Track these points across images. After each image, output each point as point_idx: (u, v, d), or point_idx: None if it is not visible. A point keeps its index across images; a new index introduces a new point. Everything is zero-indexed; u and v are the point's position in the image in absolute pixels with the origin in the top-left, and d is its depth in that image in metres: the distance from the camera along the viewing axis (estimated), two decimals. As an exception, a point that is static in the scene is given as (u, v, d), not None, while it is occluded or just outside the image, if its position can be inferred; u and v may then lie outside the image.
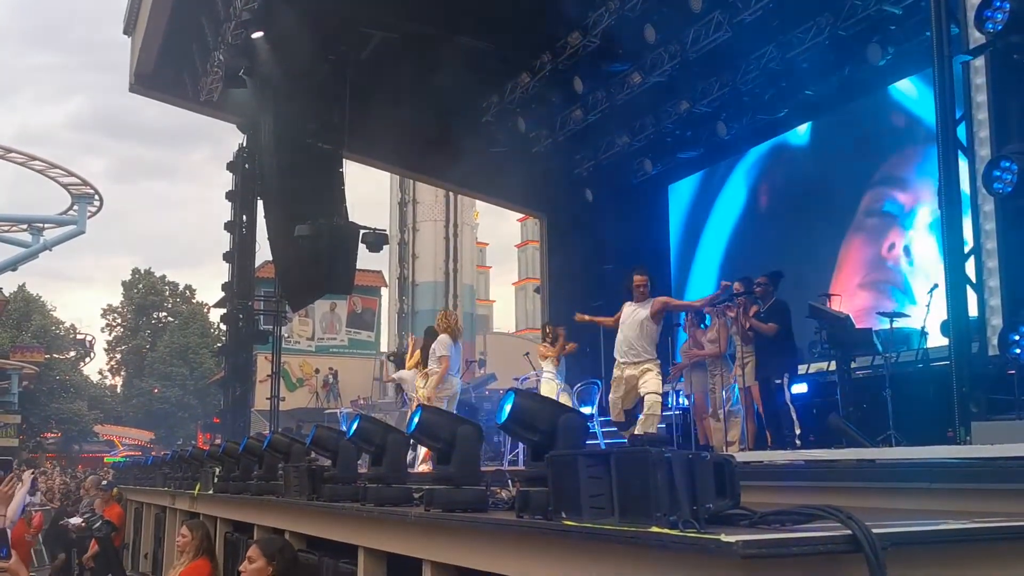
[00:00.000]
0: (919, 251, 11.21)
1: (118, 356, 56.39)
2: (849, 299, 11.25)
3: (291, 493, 4.94)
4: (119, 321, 56.31)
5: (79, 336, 54.09)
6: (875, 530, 2.00)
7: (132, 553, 11.65)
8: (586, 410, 11.56)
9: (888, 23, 11.06)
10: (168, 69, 16.55)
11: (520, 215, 45.22)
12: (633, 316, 8.81)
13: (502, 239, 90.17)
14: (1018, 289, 5.15)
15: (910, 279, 11.35)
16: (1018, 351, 4.78)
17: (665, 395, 12.28)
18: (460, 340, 11.06)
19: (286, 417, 24.09)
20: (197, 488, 7.47)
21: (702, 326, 10.48)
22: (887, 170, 12.01)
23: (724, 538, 1.87)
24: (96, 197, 46.55)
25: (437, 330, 10.71)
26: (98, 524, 9.56)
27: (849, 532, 2.00)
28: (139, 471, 13.53)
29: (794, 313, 9.30)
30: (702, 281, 15.08)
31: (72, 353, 52.94)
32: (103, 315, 56.56)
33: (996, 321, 5.16)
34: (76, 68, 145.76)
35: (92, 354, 54.14)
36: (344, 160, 15.29)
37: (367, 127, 15.28)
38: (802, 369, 9.69)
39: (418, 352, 11.76)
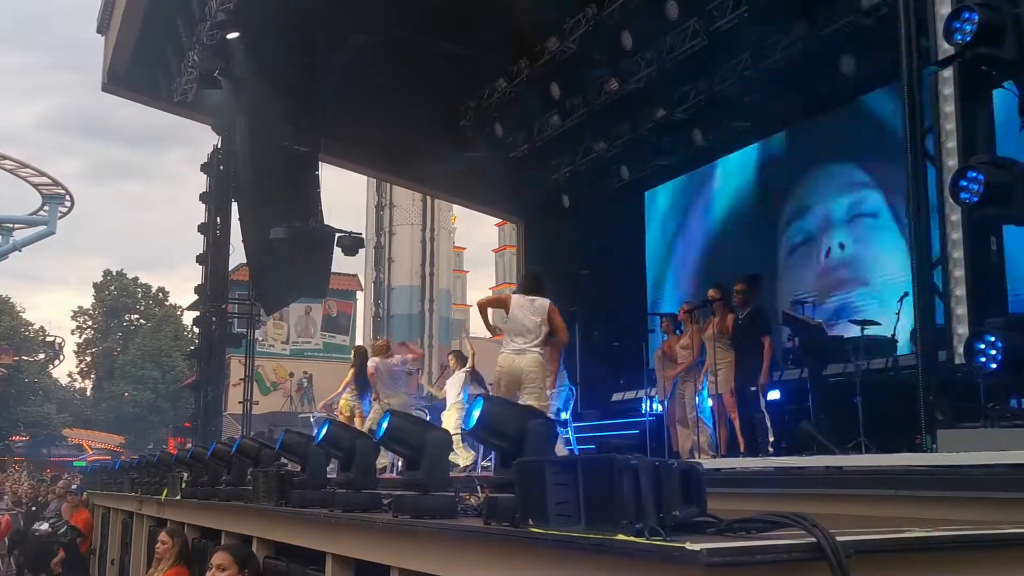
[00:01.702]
0: (890, 259, 11.32)
1: (88, 359, 55.76)
2: (822, 306, 11.35)
3: (259, 499, 4.91)
4: (90, 323, 55.71)
5: (48, 338, 53.44)
6: (839, 537, 2.01)
7: (99, 560, 11.50)
8: (561, 415, 11.56)
9: (861, 34, 11.17)
10: (142, 69, 16.40)
11: (497, 220, 45.20)
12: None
13: (479, 244, 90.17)
14: (984, 298, 5.21)
15: (881, 287, 11.45)
16: (983, 360, 4.83)
17: (639, 401, 12.35)
18: (389, 356, 11.78)
19: (259, 421, 23.95)
20: (164, 493, 7.40)
21: (677, 332, 10.51)
22: (860, 178, 12.12)
23: (689, 546, 1.88)
24: (67, 198, 46.14)
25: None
26: (63, 530, 9.45)
27: (813, 540, 2.01)
28: (106, 476, 13.37)
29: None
30: (678, 287, 15.15)
31: (41, 355, 52.29)
32: (73, 317, 55.99)
33: (962, 330, 5.22)
34: (49, 68, 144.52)
35: (62, 356, 53.54)
36: (320, 163, 15.24)
37: (344, 130, 15.24)
38: (775, 376, 9.74)
39: (351, 372, 12.00)
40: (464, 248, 57.96)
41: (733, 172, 14.40)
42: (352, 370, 12.16)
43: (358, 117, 15.30)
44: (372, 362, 11.59)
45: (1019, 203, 4.99)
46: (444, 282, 44.42)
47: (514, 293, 8.55)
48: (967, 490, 3.99)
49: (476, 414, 2.90)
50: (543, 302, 8.07)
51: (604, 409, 14.20)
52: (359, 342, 40.24)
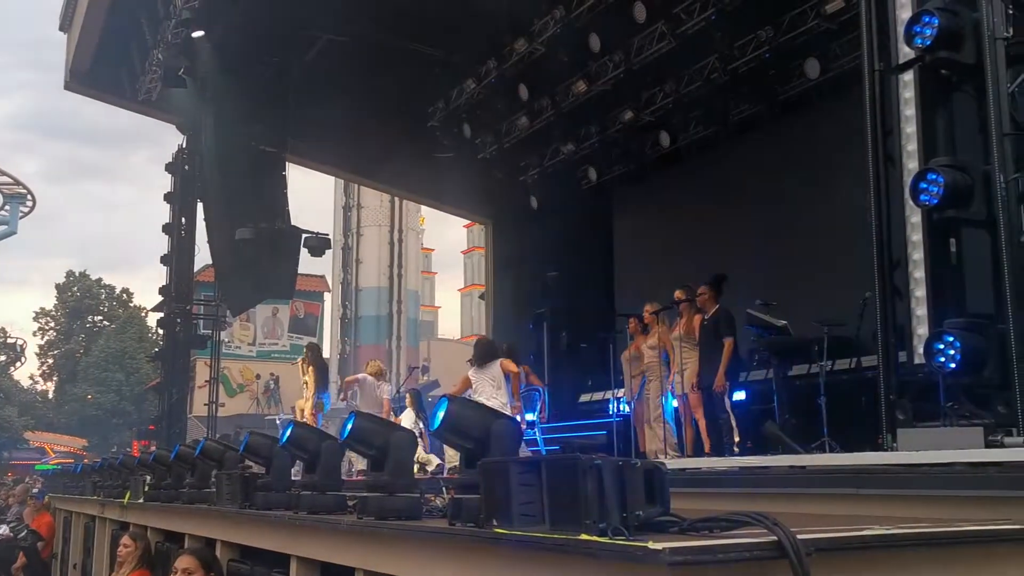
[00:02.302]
0: (854, 261, 11.44)
1: (50, 361, 54.87)
2: (787, 307, 11.43)
3: (223, 501, 4.86)
4: (52, 325, 54.82)
5: (9, 340, 52.52)
6: (800, 536, 2.03)
7: (61, 564, 11.33)
8: (529, 416, 11.60)
9: (825, 38, 11.31)
10: (105, 67, 16.19)
11: (466, 221, 45.18)
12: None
13: (448, 245, 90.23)
14: (943, 299, 5.29)
15: (847, 287, 11.57)
16: (943, 360, 4.90)
17: (606, 402, 12.41)
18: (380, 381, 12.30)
19: (225, 423, 23.71)
20: (127, 497, 7.31)
21: (644, 333, 10.55)
22: (825, 180, 12.23)
23: (651, 545, 1.89)
24: (29, 197, 45.47)
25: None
26: (24, 534, 9.30)
27: (775, 538, 2.03)
28: (68, 479, 13.19)
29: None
30: (645, 288, 15.19)
31: (2, 357, 51.41)
32: (35, 318, 55.02)
33: (922, 331, 5.29)
34: (10, 66, 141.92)
35: (23, 358, 52.64)
36: (287, 163, 15.13)
37: (311, 130, 15.16)
38: (741, 376, 9.81)
39: (312, 370, 12.28)
40: (433, 249, 58.00)
41: (700, 174, 14.49)
42: (312, 368, 12.19)
43: (326, 117, 15.22)
44: (361, 376, 12.07)
45: (978, 205, 5.08)
46: (412, 283, 44.29)
47: (470, 368, 9.88)
48: (927, 488, 4.05)
49: (441, 415, 2.89)
50: (495, 367, 9.62)
51: (572, 410, 14.24)
52: (325, 343, 40.09)
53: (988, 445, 4.59)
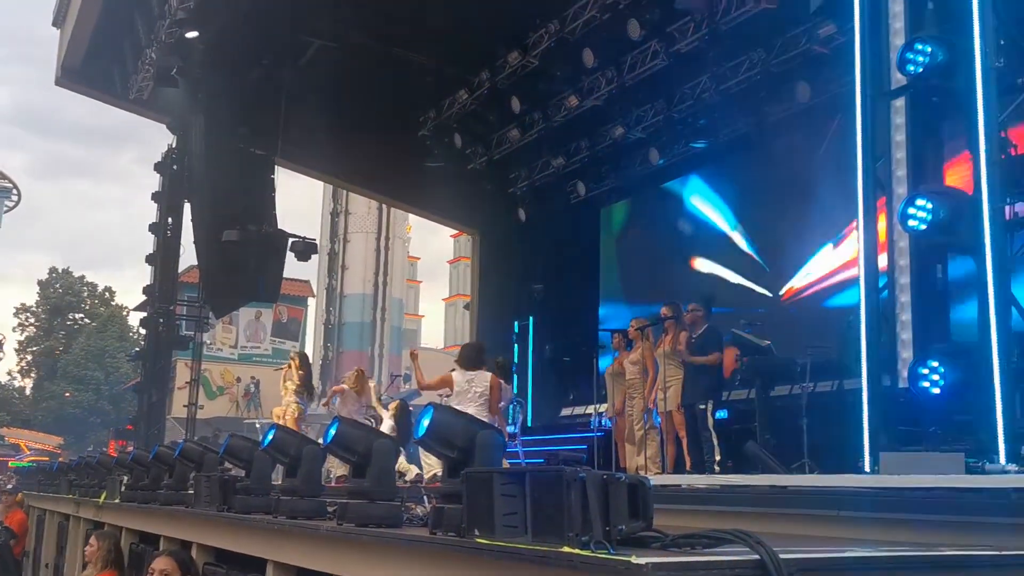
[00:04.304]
0: (839, 284, 11.51)
1: (29, 357, 54.37)
2: (773, 326, 11.47)
3: (201, 504, 4.82)
4: (32, 321, 54.34)
5: (-11, 335, 52.06)
6: (783, 555, 2.03)
7: (33, 563, 11.19)
8: (509, 429, 11.56)
9: (818, 63, 11.39)
10: (97, 64, 16.13)
11: (453, 231, 45.19)
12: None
13: (434, 254, 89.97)
14: (929, 324, 5.32)
15: (829, 309, 11.63)
16: (927, 384, 4.93)
17: (588, 416, 12.39)
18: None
19: (204, 426, 23.53)
20: (103, 496, 7.23)
21: (628, 348, 10.55)
22: (811, 203, 12.30)
23: (634, 560, 1.88)
24: (14, 192, 45.22)
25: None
26: (-3, 531, 9.19)
27: (757, 557, 2.02)
28: (44, 476, 13.05)
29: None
30: (630, 304, 15.23)
31: (-20, 353, 50.95)
32: (16, 314, 54.52)
33: (907, 354, 5.32)
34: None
35: (2, 354, 52.15)
36: (276, 166, 15.09)
37: (301, 134, 15.12)
38: (723, 396, 9.83)
39: (301, 374, 12.32)
40: (418, 258, 57.93)
41: (688, 192, 14.56)
42: (302, 373, 12.21)
43: (316, 122, 15.19)
44: (344, 387, 12.05)
45: (965, 232, 5.11)
46: (397, 291, 44.21)
47: (456, 368, 9.34)
48: (907, 512, 4.06)
49: (426, 423, 2.88)
50: (484, 379, 9.00)
51: (553, 424, 14.22)
52: (308, 348, 39.91)
53: (969, 471, 4.60)
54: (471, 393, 8.85)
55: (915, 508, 4.06)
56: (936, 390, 4.93)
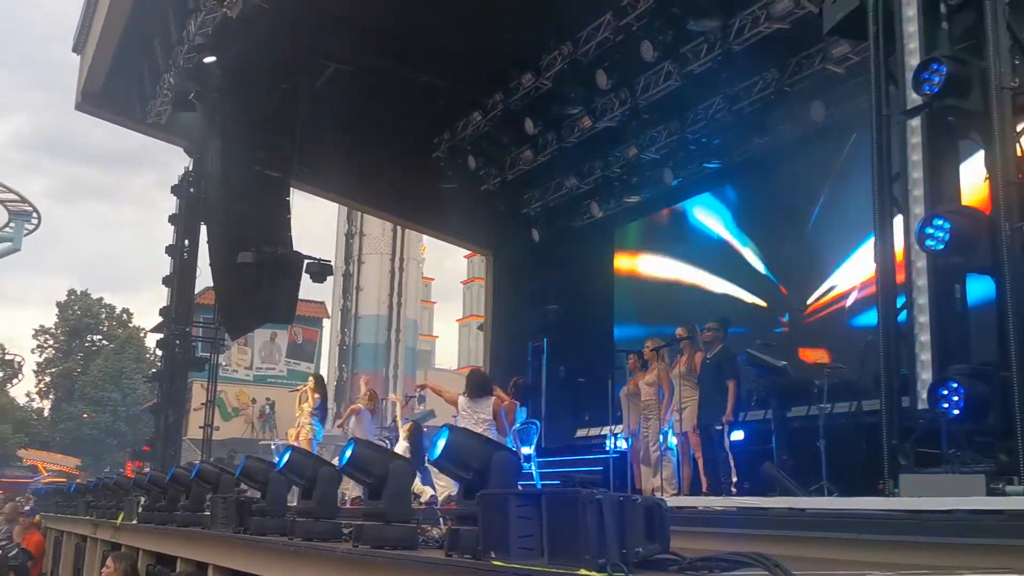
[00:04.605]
0: (855, 304, 11.46)
1: (47, 379, 54.65)
2: (788, 347, 11.42)
3: (217, 525, 4.82)
4: (51, 342, 54.65)
5: (7, 357, 52.37)
6: (802, 579, 2.01)
7: (49, 584, 11.21)
8: (525, 450, 11.51)
9: (831, 82, 11.39)
10: (117, 89, 16.30)
11: (467, 252, 45.29)
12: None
13: (448, 275, 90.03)
14: (948, 345, 5.28)
15: (847, 328, 11.57)
16: (946, 406, 4.88)
17: (603, 437, 12.34)
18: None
19: (219, 447, 23.58)
20: (120, 518, 7.24)
21: (643, 369, 10.51)
22: (826, 223, 12.26)
23: (652, 583, 1.86)
24: (34, 215, 45.64)
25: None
26: (14, 552, 9.21)
27: (776, 580, 2.00)
28: (61, 498, 13.09)
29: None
30: (645, 325, 15.19)
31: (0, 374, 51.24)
32: (35, 336, 54.85)
33: (926, 375, 5.27)
34: (20, 86, 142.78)
35: (20, 375, 52.43)
36: (291, 189, 15.18)
37: (317, 156, 15.21)
38: (740, 416, 9.76)
39: (316, 396, 12.51)
40: (432, 279, 58.05)
41: (702, 212, 14.55)
42: (318, 396, 12.26)
43: (331, 144, 15.29)
44: (360, 407, 12.13)
45: (983, 252, 5.08)
46: (411, 312, 44.27)
47: (462, 395, 9.64)
48: (928, 535, 4.01)
49: (441, 444, 2.88)
50: (487, 407, 9.31)
51: (568, 445, 14.15)
52: (323, 370, 39.93)
53: (990, 493, 4.55)
54: (474, 419, 9.01)
55: (935, 531, 4.01)
56: (956, 411, 4.87)
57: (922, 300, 5.44)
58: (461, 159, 15.92)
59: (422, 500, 10.52)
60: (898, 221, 5.75)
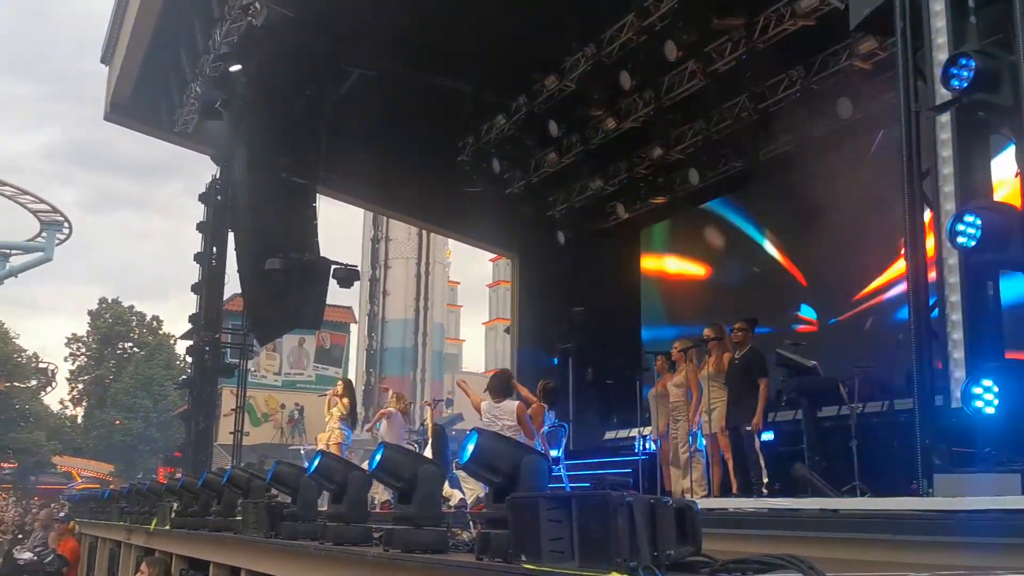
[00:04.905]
0: (886, 303, 11.34)
1: (80, 386, 55.36)
2: (815, 347, 11.31)
3: (249, 530, 4.85)
4: (83, 351, 55.36)
5: (41, 365, 53.08)
6: (837, 581, 1.99)
7: (84, 589, 11.34)
8: (553, 453, 11.50)
9: (858, 79, 11.28)
10: (144, 99, 16.50)
11: (493, 255, 45.32)
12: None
13: (474, 278, 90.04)
14: (981, 343, 5.20)
15: (878, 327, 11.45)
16: (980, 404, 4.81)
17: (632, 440, 12.30)
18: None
19: (249, 452, 23.70)
20: (154, 523, 7.32)
21: (671, 370, 10.46)
22: (854, 221, 12.14)
23: (684, 585, 1.85)
24: (65, 225, 46.20)
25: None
26: (50, 559, 9.33)
27: (810, 582, 1.98)
28: (95, 504, 13.24)
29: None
30: (672, 326, 15.13)
31: (33, 382, 51.91)
32: (67, 344, 55.60)
33: (959, 374, 5.20)
34: (50, 98, 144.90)
35: (54, 383, 53.13)
36: (318, 195, 15.27)
37: (342, 162, 15.29)
38: (769, 417, 9.69)
39: (346, 401, 12.56)
40: (458, 283, 58.11)
41: (729, 211, 14.46)
42: (347, 401, 12.32)
43: (356, 150, 15.36)
44: (392, 411, 12.16)
45: (1016, 248, 5.01)
46: (438, 316, 44.39)
47: (486, 397, 9.57)
48: (964, 535, 3.96)
49: (470, 448, 2.88)
50: (511, 411, 9.19)
51: (596, 447, 14.12)
52: (351, 375, 40.14)
53: (1026, 492, 4.49)
54: (498, 425, 8.94)
55: (971, 531, 3.96)
56: (990, 409, 4.81)
57: (954, 297, 5.36)
58: (486, 162, 15.94)
59: (451, 504, 10.54)
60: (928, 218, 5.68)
